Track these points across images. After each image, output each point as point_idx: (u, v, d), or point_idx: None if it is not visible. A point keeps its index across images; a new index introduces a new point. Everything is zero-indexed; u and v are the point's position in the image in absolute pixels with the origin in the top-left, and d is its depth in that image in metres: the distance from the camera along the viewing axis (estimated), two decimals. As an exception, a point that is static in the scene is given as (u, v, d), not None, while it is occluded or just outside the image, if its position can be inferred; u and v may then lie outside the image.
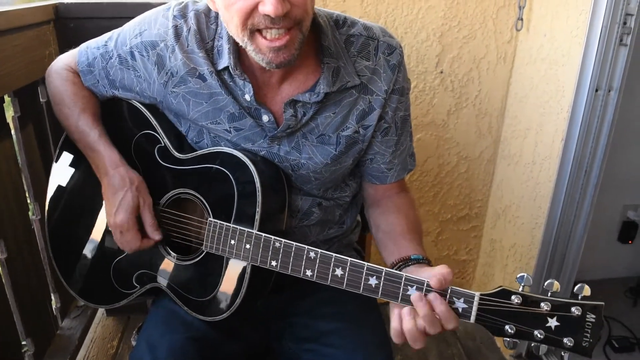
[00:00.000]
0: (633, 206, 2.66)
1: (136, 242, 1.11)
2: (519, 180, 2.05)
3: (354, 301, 1.22)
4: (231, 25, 0.98)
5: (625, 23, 1.58)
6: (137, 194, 1.11)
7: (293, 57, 0.98)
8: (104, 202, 1.16)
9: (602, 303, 0.86)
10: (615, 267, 2.72)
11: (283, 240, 1.02)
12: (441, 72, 2.03)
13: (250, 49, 0.98)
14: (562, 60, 1.76)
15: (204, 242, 1.10)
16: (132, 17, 1.20)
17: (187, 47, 1.10)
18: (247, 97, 1.08)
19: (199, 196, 1.13)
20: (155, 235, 1.12)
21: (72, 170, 1.25)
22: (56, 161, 1.28)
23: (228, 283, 1.09)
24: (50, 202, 1.27)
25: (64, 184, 1.26)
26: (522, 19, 1.94)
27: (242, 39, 0.98)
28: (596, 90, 1.66)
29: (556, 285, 0.88)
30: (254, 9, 0.91)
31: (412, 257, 1.05)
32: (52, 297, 1.83)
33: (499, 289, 0.90)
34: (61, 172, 1.26)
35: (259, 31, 0.95)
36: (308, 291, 1.23)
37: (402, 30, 1.94)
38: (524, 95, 1.99)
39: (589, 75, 1.65)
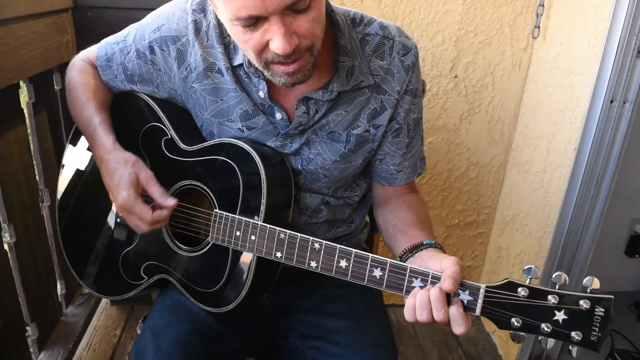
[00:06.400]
0: (641, 220, 2.64)
1: (147, 215, 1.04)
2: (529, 188, 2.04)
3: (362, 300, 1.23)
4: (246, 53, 1.00)
5: (643, 35, 1.57)
6: (134, 170, 1.07)
7: (307, 76, 0.99)
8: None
9: (612, 296, 0.84)
10: (621, 281, 2.70)
11: (288, 231, 1.02)
12: (455, 77, 2.02)
13: (266, 73, 1.00)
14: (578, 70, 1.75)
15: (210, 234, 1.10)
16: (149, 9, 1.19)
17: (207, 41, 1.10)
18: (262, 94, 1.09)
19: (205, 188, 1.13)
20: (169, 202, 1.05)
21: (85, 158, 1.25)
22: (71, 145, 1.28)
23: (233, 275, 1.10)
24: (61, 190, 1.28)
25: (76, 172, 1.26)
26: (539, 27, 1.93)
27: (258, 65, 0.99)
28: (611, 102, 1.66)
29: (564, 278, 0.86)
30: (265, 46, 0.92)
31: (424, 243, 1.04)
32: (58, 284, 1.85)
33: (505, 281, 0.88)
34: (74, 159, 1.27)
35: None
36: (316, 288, 1.24)
37: (419, 33, 1.94)
38: (537, 104, 1.98)
39: (604, 86, 1.64)
